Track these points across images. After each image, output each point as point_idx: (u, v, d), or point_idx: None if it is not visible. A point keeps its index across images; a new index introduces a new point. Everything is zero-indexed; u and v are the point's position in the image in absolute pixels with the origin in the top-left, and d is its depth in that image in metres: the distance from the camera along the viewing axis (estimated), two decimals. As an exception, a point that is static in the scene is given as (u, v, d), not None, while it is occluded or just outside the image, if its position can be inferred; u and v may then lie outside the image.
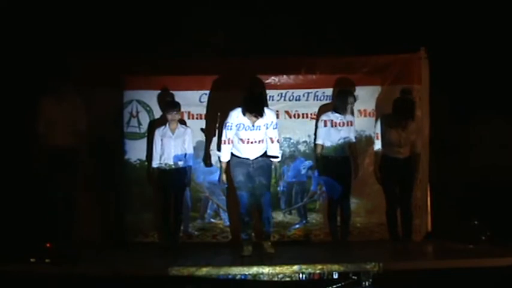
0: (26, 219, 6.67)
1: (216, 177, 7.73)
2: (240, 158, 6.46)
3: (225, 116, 6.46)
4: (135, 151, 7.71)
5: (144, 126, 7.70)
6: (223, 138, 6.42)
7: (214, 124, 7.52)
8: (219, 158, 6.55)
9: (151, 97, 7.73)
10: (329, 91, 7.78)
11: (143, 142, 7.67)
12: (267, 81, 7.76)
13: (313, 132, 7.65)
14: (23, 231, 6.46)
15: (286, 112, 7.78)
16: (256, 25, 7.71)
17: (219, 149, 6.57)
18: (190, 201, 7.72)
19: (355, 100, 7.16)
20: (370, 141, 7.67)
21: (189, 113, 7.73)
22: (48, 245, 6.12)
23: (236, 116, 6.34)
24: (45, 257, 5.85)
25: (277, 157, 6.54)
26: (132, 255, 6.69)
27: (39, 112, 6.57)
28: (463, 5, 7.32)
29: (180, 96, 7.67)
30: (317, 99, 7.80)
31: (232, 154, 6.50)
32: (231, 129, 6.37)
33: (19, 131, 6.93)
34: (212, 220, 7.78)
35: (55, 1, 7.30)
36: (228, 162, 6.54)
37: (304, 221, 7.80)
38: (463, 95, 7.34)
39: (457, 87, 7.36)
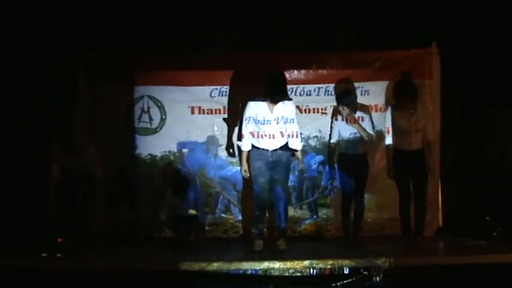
0: (38, 214, 6.71)
1: (227, 172, 7.76)
2: (259, 149, 6.43)
3: (245, 106, 6.44)
4: (146, 146, 7.75)
5: (156, 122, 7.73)
6: (243, 131, 6.41)
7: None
8: (239, 147, 6.54)
9: (162, 93, 7.77)
10: (340, 86, 7.78)
11: (154, 137, 7.73)
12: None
13: (323, 127, 7.71)
14: (35, 226, 6.50)
15: (297, 107, 7.67)
16: (268, 20, 7.71)
17: (239, 139, 6.57)
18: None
19: (355, 97, 7.12)
20: (381, 136, 7.66)
21: (199, 108, 7.76)
22: (60, 240, 6.16)
23: (255, 105, 6.33)
24: (57, 251, 5.89)
25: (297, 150, 6.53)
26: (143, 251, 6.71)
27: (54, 160, 6.60)
28: (475, 0, 7.30)
29: (190, 91, 7.72)
30: (328, 94, 7.78)
31: (251, 145, 6.49)
32: (249, 122, 6.36)
33: (32, 130, 7.02)
34: (223, 215, 7.80)
35: (63, 3, 7.34)
36: (249, 152, 6.52)
37: (315, 216, 7.81)
38: (475, 90, 7.31)
39: (469, 82, 7.32)
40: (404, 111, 6.74)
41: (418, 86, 7.11)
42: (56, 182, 6.51)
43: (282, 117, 6.33)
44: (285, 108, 6.34)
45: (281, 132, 6.39)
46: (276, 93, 6.21)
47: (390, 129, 6.84)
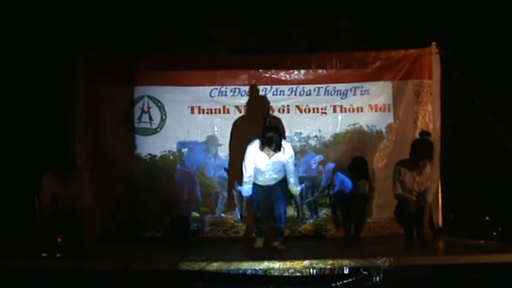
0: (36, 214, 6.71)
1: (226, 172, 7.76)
2: (260, 185, 6.46)
3: (244, 149, 6.37)
4: (146, 146, 7.76)
5: (156, 122, 7.74)
6: (244, 174, 6.36)
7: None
8: (240, 192, 6.51)
9: (162, 93, 7.77)
10: (340, 86, 7.79)
11: (154, 137, 7.75)
12: (278, 76, 7.78)
13: (323, 127, 7.81)
14: (34, 226, 6.50)
15: (297, 107, 7.79)
16: (268, 20, 7.72)
17: (240, 184, 6.55)
18: (200, 197, 7.76)
19: (367, 169, 7.10)
20: (380, 136, 7.70)
21: (199, 107, 7.76)
22: (59, 240, 6.15)
23: (254, 150, 6.29)
24: (57, 251, 5.88)
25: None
26: (143, 250, 6.70)
27: (44, 188, 6.42)
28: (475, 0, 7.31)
29: (190, 91, 7.73)
30: (328, 94, 7.80)
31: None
32: (249, 163, 6.32)
33: (32, 130, 7.03)
34: (223, 215, 7.80)
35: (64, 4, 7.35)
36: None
37: (314, 216, 7.80)
38: (475, 90, 7.31)
39: (469, 82, 7.33)
40: (413, 171, 6.64)
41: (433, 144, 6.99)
42: (46, 216, 6.42)
43: (281, 158, 6.30)
44: (283, 150, 6.26)
45: (280, 170, 6.39)
46: (273, 146, 6.12)
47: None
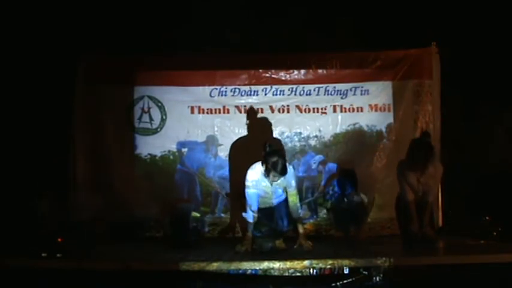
0: (36, 214, 6.71)
1: (226, 171, 7.75)
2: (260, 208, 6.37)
3: (245, 172, 6.26)
4: (146, 146, 7.77)
5: (156, 122, 7.76)
6: (248, 202, 6.24)
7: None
8: (245, 218, 6.47)
9: (162, 93, 7.79)
10: (340, 86, 7.80)
11: (155, 138, 7.76)
12: (278, 76, 7.79)
13: (323, 127, 7.82)
14: (34, 226, 6.50)
15: (297, 107, 7.80)
16: (267, 20, 7.70)
17: (245, 210, 6.41)
18: (200, 196, 7.76)
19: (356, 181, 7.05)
20: (380, 136, 7.70)
21: (199, 107, 7.77)
22: (59, 240, 6.15)
23: (256, 176, 6.20)
24: (57, 251, 5.88)
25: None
26: (143, 251, 6.70)
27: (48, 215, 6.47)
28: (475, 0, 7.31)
29: (190, 91, 7.74)
30: (328, 94, 7.81)
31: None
32: (250, 189, 6.21)
33: (32, 130, 7.04)
34: (223, 215, 7.80)
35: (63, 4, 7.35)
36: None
37: (314, 216, 7.81)
38: (475, 90, 7.31)
39: (469, 82, 7.33)
40: (417, 171, 6.45)
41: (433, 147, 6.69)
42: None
43: (282, 184, 6.25)
44: (283, 179, 6.19)
45: (281, 195, 6.37)
46: (277, 171, 6.00)
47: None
